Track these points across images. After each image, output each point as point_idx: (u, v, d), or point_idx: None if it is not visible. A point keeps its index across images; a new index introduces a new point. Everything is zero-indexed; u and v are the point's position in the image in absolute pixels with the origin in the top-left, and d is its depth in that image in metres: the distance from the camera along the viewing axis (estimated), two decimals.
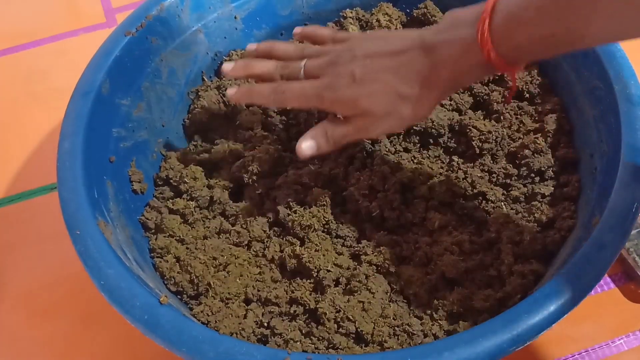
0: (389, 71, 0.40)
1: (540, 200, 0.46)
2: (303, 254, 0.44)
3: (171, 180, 0.51)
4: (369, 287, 0.42)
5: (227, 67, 0.47)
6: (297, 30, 0.50)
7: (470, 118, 0.51)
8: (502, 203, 0.47)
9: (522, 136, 0.50)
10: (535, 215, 0.45)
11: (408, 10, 0.60)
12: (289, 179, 0.49)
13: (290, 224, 0.47)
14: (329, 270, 0.44)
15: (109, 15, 0.78)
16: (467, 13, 0.38)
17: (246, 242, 0.47)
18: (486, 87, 0.54)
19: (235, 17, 0.58)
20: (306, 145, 0.43)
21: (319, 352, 0.40)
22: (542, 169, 0.48)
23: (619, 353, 0.47)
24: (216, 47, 0.58)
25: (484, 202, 0.47)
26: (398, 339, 0.40)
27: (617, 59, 0.45)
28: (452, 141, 0.52)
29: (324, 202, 0.47)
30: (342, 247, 0.46)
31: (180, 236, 0.47)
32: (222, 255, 0.45)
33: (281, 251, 0.46)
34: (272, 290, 0.43)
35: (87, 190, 0.42)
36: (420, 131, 0.51)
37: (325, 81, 0.42)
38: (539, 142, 0.48)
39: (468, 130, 0.50)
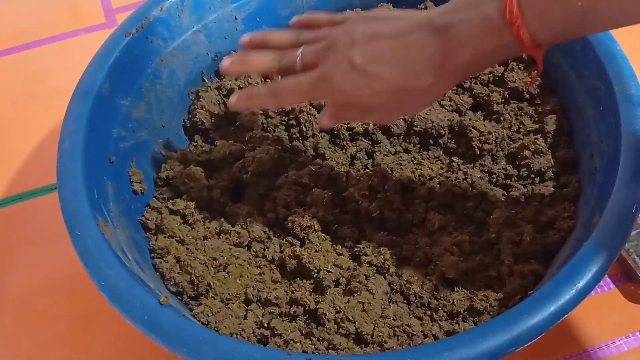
0: (393, 59, 0.37)
1: (540, 200, 0.46)
2: (303, 255, 0.44)
3: (171, 181, 0.51)
4: (369, 288, 0.42)
5: (225, 63, 0.44)
6: (294, 19, 0.47)
7: (470, 119, 0.51)
8: (502, 203, 0.47)
9: (522, 137, 0.50)
10: (535, 215, 0.45)
11: None
12: (289, 179, 0.49)
13: (290, 224, 0.47)
14: (329, 271, 0.44)
15: (109, 15, 0.78)
16: None
17: (246, 243, 0.47)
18: (486, 88, 0.54)
19: (235, 18, 0.58)
20: (324, 123, 0.42)
21: (319, 353, 0.40)
22: (542, 169, 0.48)
23: (619, 354, 0.47)
24: (216, 47, 0.58)
25: (483, 202, 0.47)
26: (398, 339, 0.40)
27: (617, 59, 0.45)
28: (452, 142, 0.52)
29: (324, 203, 0.47)
30: (342, 247, 0.46)
31: (180, 237, 0.47)
32: (222, 256, 0.45)
33: (281, 252, 0.46)
34: (272, 291, 0.43)
35: (87, 191, 0.42)
36: (420, 132, 0.51)
37: (321, 71, 0.39)
38: (538, 142, 0.48)
39: (468, 131, 0.50)
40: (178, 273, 0.44)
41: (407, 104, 0.39)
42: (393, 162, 0.50)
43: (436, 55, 0.35)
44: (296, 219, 0.46)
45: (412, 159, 0.51)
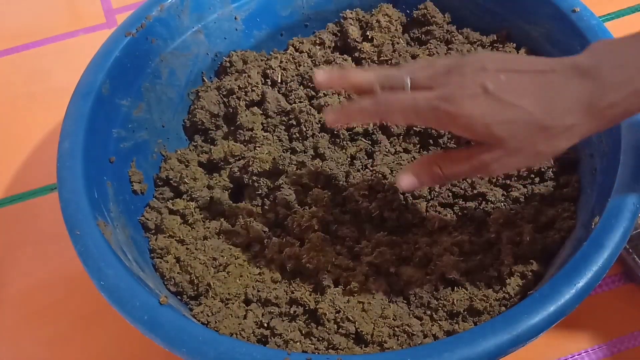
0: (531, 93, 0.33)
1: (540, 200, 0.46)
2: (303, 255, 0.44)
3: (171, 181, 0.51)
4: (369, 288, 0.42)
5: (320, 76, 0.39)
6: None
7: None
8: (502, 204, 0.47)
9: None
10: (535, 215, 0.45)
11: (408, 11, 0.60)
12: (289, 179, 0.49)
13: (290, 224, 0.47)
14: (328, 271, 0.44)
15: (109, 15, 0.78)
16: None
17: (246, 243, 0.47)
18: None
19: (235, 18, 0.58)
20: (406, 183, 0.36)
21: (318, 353, 0.40)
22: (542, 169, 0.48)
23: (618, 353, 0.47)
24: (216, 47, 0.58)
25: (483, 202, 0.47)
26: (398, 339, 0.40)
27: None
28: (452, 142, 0.52)
29: (324, 203, 0.47)
30: (341, 247, 0.46)
31: (180, 237, 0.47)
32: (222, 256, 0.45)
33: (281, 252, 0.46)
34: (272, 291, 0.43)
35: (87, 191, 0.42)
36: (420, 132, 0.51)
37: (442, 91, 0.34)
38: None
39: None
40: (178, 273, 0.44)
41: (539, 143, 0.34)
42: (393, 162, 0.50)
43: (583, 95, 0.33)
44: (296, 219, 0.46)
45: (412, 159, 0.51)
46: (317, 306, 0.42)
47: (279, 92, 0.56)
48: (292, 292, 0.43)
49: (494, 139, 0.33)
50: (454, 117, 0.33)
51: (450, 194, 0.48)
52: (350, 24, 0.59)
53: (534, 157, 0.34)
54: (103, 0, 0.80)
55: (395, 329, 0.40)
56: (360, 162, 0.51)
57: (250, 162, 0.50)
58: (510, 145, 0.33)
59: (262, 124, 0.54)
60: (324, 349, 0.40)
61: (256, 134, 0.52)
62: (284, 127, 0.54)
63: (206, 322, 0.41)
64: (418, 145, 0.52)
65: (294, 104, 0.54)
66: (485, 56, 0.35)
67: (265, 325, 0.42)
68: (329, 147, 0.52)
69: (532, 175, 0.48)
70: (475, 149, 0.35)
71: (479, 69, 0.34)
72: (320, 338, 0.40)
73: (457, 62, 0.35)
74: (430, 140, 0.52)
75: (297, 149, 0.52)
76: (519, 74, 0.34)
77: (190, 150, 0.55)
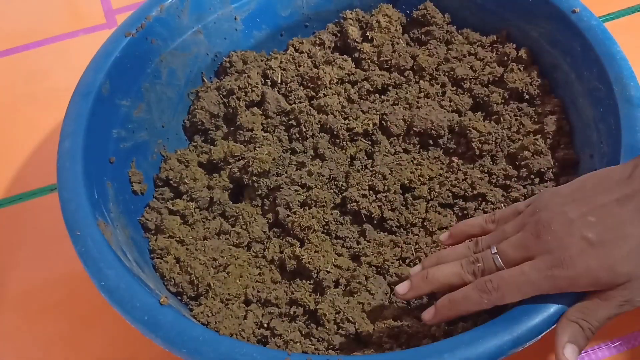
0: (629, 220, 0.32)
1: None
2: (303, 255, 0.44)
3: (171, 181, 0.51)
4: (369, 288, 0.43)
5: (402, 289, 0.38)
6: (444, 236, 0.41)
7: (470, 119, 0.51)
8: (502, 204, 0.47)
9: (521, 137, 0.50)
10: None
11: (408, 12, 0.60)
12: (289, 179, 0.49)
13: (290, 224, 0.47)
14: (328, 272, 0.44)
15: (109, 16, 0.78)
16: None
17: (246, 243, 0.47)
18: (486, 89, 0.54)
19: (235, 18, 0.58)
20: (569, 353, 0.33)
21: (318, 353, 0.40)
22: (542, 170, 0.48)
23: (618, 354, 0.47)
24: (216, 47, 0.58)
25: (483, 203, 0.47)
26: (398, 340, 0.40)
27: (617, 60, 0.45)
28: (452, 142, 0.52)
29: (324, 203, 0.47)
30: (341, 248, 0.46)
31: (180, 237, 0.47)
32: (222, 256, 0.45)
33: (281, 252, 0.46)
34: (272, 291, 0.43)
35: (87, 191, 0.42)
36: (420, 132, 0.51)
37: (549, 259, 0.33)
38: (538, 143, 0.48)
39: (468, 132, 0.50)
40: (178, 273, 0.44)
41: None
42: (393, 162, 0.50)
43: None
44: (296, 219, 0.47)
45: (412, 159, 0.51)
46: (317, 307, 0.42)
47: (278, 92, 0.56)
48: (292, 293, 0.43)
49: (624, 276, 0.32)
50: (575, 280, 0.33)
51: (450, 194, 0.48)
52: (350, 24, 0.59)
53: None
54: (103, 1, 0.80)
55: (395, 329, 0.40)
56: (360, 162, 0.51)
57: (250, 163, 0.50)
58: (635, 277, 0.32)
59: (262, 124, 0.54)
60: (324, 349, 0.40)
61: (256, 134, 0.52)
62: (283, 128, 0.54)
63: (206, 323, 0.41)
64: (418, 146, 0.52)
65: (293, 105, 0.54)
66: (558, 202, 0.34)
67: (265, 325, 0.42)
68: (328, 148, 0.52)
69: (532, 176, 0.48)
70: (617, 288, 0.33)
71: (566, 222, 0.33)
72: (320, 338, 0.40)
73: (536, 220, 0.34)
74: (430, 141, 0.52)
75: (297, 149, 0.52)
76: (605, 208, 0.33)
77: (190, 150, 0.55)
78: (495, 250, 0.36)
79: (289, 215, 0.47)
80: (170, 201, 0.50)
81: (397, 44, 0.57)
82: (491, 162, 0.50)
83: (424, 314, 0.37)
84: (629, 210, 0.32)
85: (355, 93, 0.55)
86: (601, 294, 0.33)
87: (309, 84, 0.55)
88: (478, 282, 0.35)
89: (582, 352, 0.46)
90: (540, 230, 0.34)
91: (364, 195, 0.48)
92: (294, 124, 0.53)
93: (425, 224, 0.47)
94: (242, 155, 0.51)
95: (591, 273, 0.32)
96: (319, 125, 0.52)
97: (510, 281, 0.34)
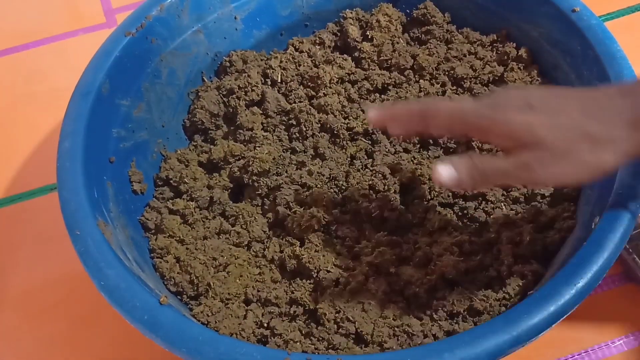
0: (574, 107, 0.34)
1: (540, 200, 0.46)
2: (303, 255, 0.44)
3: (171, 181, 0.51)
4: (369, 288, 0.42)
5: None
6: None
7: None
8: (502, 204, 0.47)
9: None
10: (535, 215, 0.45)
11: (408, 11, 0.60)
12: (289, 179, 0.49)
13: (290, 224, 0.47)
14: (328, 271, 0.44)
15: (109, 15, 0.78)
16: None
17: (246, 243, 0.47)
18: (486, 88, 0.54)
19: (235, 18, 0.58)
20: (446, 172, 0.34)
21: (318, 353, 0.40)
22: None
23: (618, 354, 0.47)
24: (216, 47, 0.58)
25: (483, 202, 0.47)
26: (398, 339, 0.40)
27: (617, 59, 0.45)
28: (452, 142, 0.52)
29: (324, 203, 0.47)
30: (341, 247, 0.46)
31: (180, 237, 0.47)
32: (222, 256, 0.45)
33: (281, 252, 0.46)
34: (272, 291, 0.43)
35: (87, 191, 0.42)
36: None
37: (488, 101, 0.35)
38: None
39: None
40: (178, 273, 0.44)
41: (584, 151, 0.33)
42: (393, 162, 0.50)
43: (626, 109, 0.33)
44: (296, 219, 0.46)
45: (412, 158, 0.51)
46: (317, 306, 0.42)
47: (278, 92, 0.56)
48: (292, 292, 0.43)
49: (536, 138, 0.33)
50: (496, 122, 0.34)
51: (450, 194, 0.48)
52: (350, 24, 0.59)
53: (579, 167, 0.33)
54: (103, 0, 0.80)
55: (395, 329, 0.40)
56: (360, 162, 0.51)
57: (250, 162, 0.49)
58: (553, 147, 0.33)
59: (262, 123, 0.54)
60: (324, 349, 0.40)
61: (256, 133, 0.52)
62: (284, 127, 0.54)
63: (206, 322, 0.41)
64: (418, 145, 0.52)
65: (293, 104, 0.54)
66: (525, 90, 0.36)
67: (265, 325, 0.42)
68: (329, 147, 0.52)
69: None
70: (517, 150, 0.34)
71: (523, 97, 0.35)
72: (320, 338, 0.40)
73: (498, 96, 0.36)
74: (430, 140, 0.52)
75: (297, 148, 0.52)
76: (563, 97, 0.35)
77: (190, 150, 0.55)
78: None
79: (289, 215, 0.47)
80: (170, 201, 0.50)
81: (397, 43, 0.57)
82: None
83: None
84: (576, 101, 0.34)
85: (355, 92, 0.55)
86: (511, 150, 0.34)
87: (309, 84, 0.55)
88: (426, 102, 0.36)
89: (581, 351, 0.46)
90: (498, 101, 0.35)
91: (364, 195, 0.48)
92: (294, 123, 0.53)
93: (425, 224, 0.47)
94: (242, 155, 0.51)
95: (513, 125, 0.34)
96: (319, 125, 0.52)
97: (447, 105, 0.35)
